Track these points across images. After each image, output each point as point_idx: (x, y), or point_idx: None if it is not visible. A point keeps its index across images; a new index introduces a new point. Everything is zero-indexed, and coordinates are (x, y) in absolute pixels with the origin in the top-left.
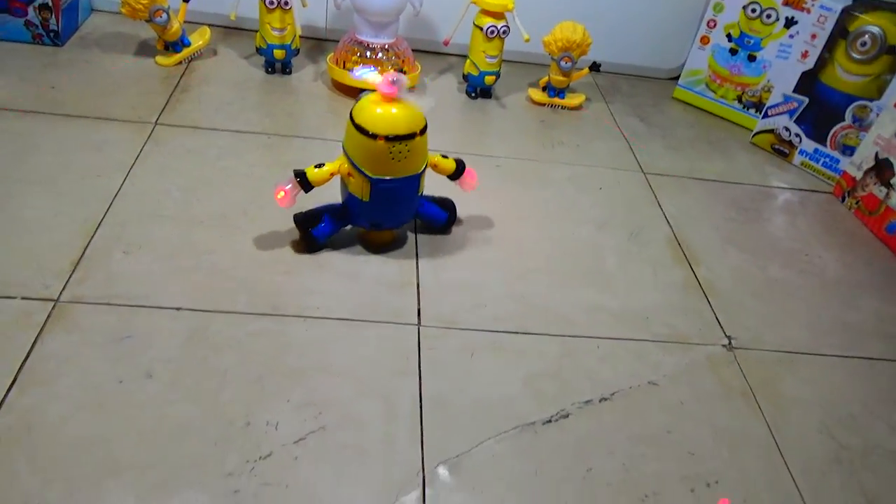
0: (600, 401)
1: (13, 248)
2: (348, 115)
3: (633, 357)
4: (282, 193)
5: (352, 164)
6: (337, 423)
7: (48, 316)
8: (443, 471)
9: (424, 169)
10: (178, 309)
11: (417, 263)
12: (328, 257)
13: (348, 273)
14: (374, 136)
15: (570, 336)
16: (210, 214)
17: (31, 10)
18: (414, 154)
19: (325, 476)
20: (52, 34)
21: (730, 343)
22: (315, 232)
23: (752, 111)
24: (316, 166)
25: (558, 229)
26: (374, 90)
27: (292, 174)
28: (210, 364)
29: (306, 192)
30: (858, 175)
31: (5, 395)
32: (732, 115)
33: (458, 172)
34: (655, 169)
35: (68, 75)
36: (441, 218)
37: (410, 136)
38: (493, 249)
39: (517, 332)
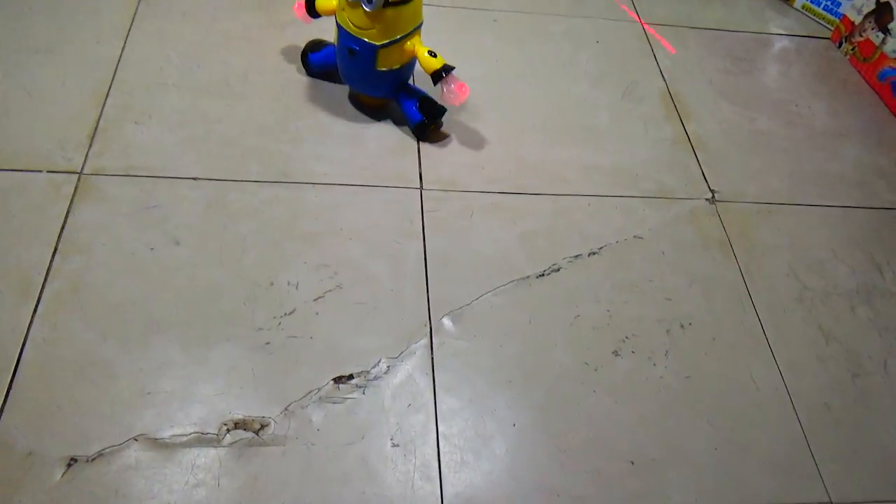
0: (589, 255)
1: (29, 119)
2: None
3: (621, 213)
4: (465, 88)
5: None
6: (351, 281)
7: (75, 188)
8: (447, 321)
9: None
10: (195, 179)
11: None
12: (330, 122)
13: (351, 138)
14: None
15: (563, 195)
16: (213, 81)
17: None
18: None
19: (343, 328)
20: None
21: (713, 196)
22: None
23: None
24: (432, 54)
25: (554, 87)
26: None
27: (450, 72)
28: (231, 230)
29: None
30: (858, 19)
31: (50, 262)
32: None
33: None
34: (653, 18)
35: None
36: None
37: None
38: (491, 110)
39: (513, 193)
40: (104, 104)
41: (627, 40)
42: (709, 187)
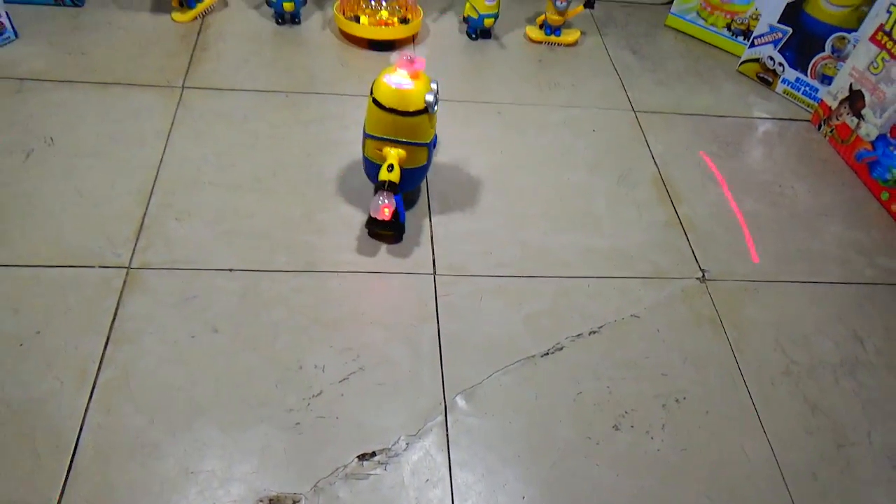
0: (589, 334)
1: (83, 219)
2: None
3: (618, 293)
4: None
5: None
6: (372, 363)
7: (124, 282)
8: (460, 400)
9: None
10: (230, 270)
11: (430, 216)
12: (351, 214)
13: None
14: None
15: (564, 277)
16: (245, 178)
17: None
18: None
19: (366, 408)
20: None
21: (703, 276)
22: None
23: (741, 38)
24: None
25: (554, 174)
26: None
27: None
28: (263, 318)
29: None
30: (834, 104)
31: (103, 352)
32: (722, 42)
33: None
34: (645, 106)
35: (94, 38)
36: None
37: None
38: (497, 198)
39: (519, 276)
40: (148, 203)
41: (622, 128)
42: (699, 267)
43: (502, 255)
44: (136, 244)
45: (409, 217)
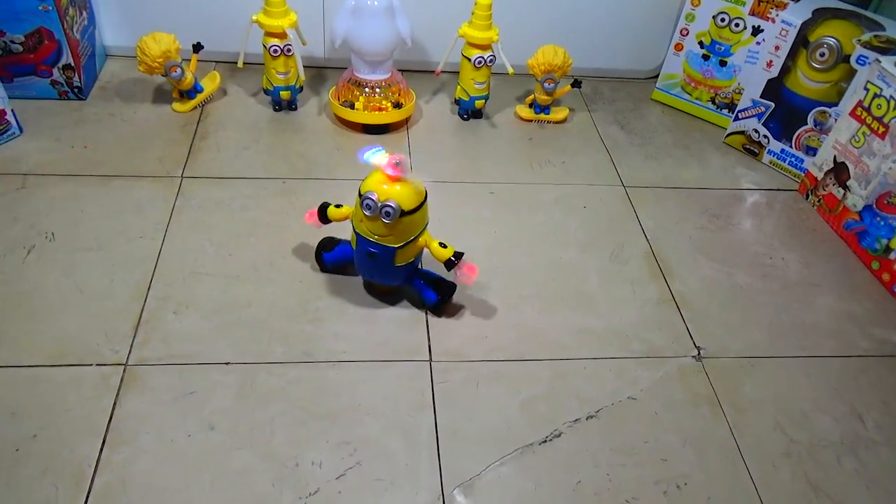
0: (587, 418)
1: (82, 315)
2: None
3: (615, 375)
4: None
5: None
6: (370, 457)
7: (121, 380)
8: (458, 495)
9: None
10: (227, 363)
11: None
12: (346, 302)
13: (366, 317)
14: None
15: (560, 359)
16: (243, 268)
17: (55, 70)
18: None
19: None
20: (76, 90)
21: (699, 354)
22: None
23: (725, 111)
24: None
25: (548, 253)
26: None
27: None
28: (259, 413)
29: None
30: (819, 175)
31: (100, 455)
32: (707, 115)
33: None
34: (635, 181)
35: (97, 131)
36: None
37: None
38: (492, 279)
39: (515, 360)
40: (146, 296)
41: (612, 204)
42: (694, 344)
43: (498, 339)
44: (133, 340)
45: (404, 306)
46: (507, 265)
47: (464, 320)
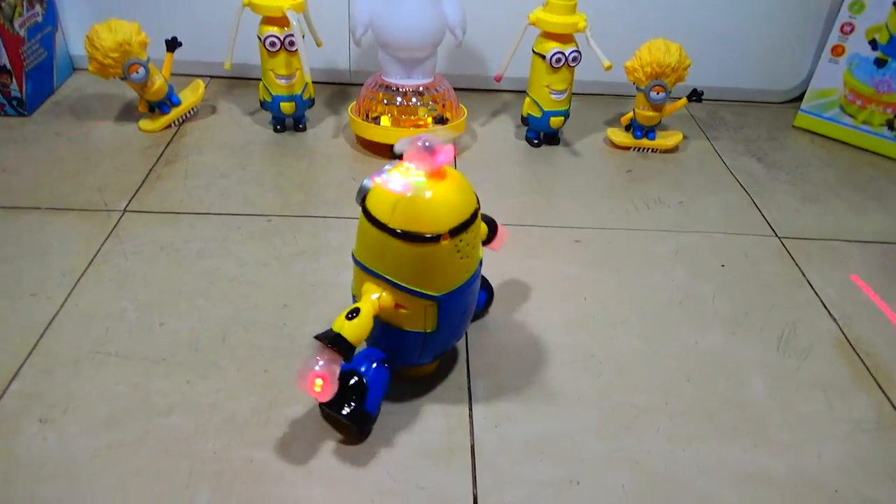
0: None
1: None
2: (365, 217)
3: None
4: (320, 381)
5: (397, 288)
6: None
7: None
8: None
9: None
10: None
11: (470, 408)
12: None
13: (372, 444)
14: (435, 239)
15: None
16: (175, 345)
17: None
18: (477, 237)
19: None
20: (14, 102)
21: None
22: (369, 408)
23: None
24: (348, 315)
25: (673, 338)
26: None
27: (318, 342)
28: None
29: (348, 361)
30: None
31: None
32: (881, 147)
33: (491, 236)
34: (793, 231)
35: (29, 153)
36: (481, 301)
37: (474, 216)
38: (581, 377)
39: None
40: (6, 390)
41: (765, 262)
42: None
43: (597, 488)
44: None
45: (432, 407)
46: (606, 353)
47: (536, 449)
